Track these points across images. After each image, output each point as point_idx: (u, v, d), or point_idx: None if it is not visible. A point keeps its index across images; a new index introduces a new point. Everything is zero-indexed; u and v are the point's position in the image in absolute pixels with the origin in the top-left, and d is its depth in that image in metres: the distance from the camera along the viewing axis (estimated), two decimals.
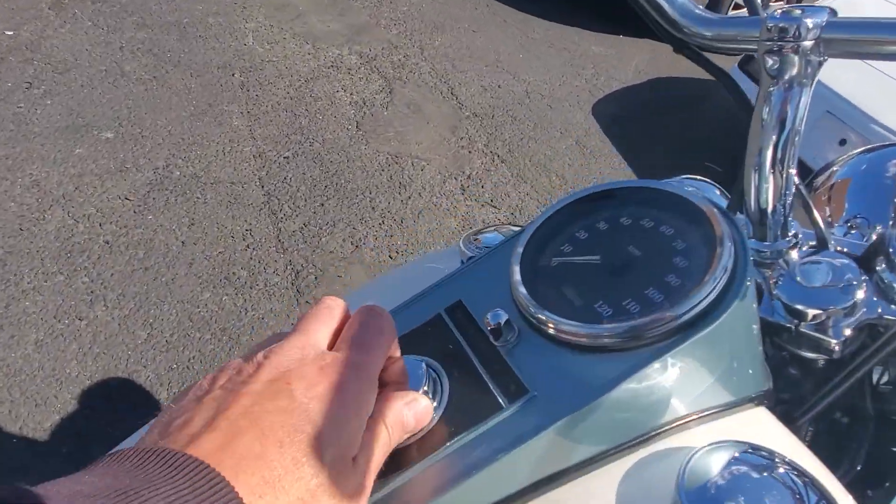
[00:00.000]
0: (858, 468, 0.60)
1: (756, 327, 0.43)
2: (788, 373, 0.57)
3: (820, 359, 0.54)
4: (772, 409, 0.46)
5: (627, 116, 3.13)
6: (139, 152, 2.37)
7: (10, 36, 2.82)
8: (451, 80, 3.20)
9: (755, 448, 0.38)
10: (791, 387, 0.57)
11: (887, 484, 0.60)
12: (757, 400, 0.45)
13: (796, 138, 0.49)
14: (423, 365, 0.39)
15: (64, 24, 3.00)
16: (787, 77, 0.47)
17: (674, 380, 0.38)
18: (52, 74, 2.66)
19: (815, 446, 0.60)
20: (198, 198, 2.23)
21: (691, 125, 3.09)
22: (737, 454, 0.37)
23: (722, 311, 0.37)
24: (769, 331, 0.55)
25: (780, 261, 0.55)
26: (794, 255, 0.55)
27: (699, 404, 0.40)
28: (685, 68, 3.51)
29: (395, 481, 0.36)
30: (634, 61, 3.69)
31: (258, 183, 2.35)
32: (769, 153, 0.50)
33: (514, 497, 0.37)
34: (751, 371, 0.44)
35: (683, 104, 3.30)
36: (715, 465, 0.37)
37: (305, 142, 2.60)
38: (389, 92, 3.02)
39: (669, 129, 3.06)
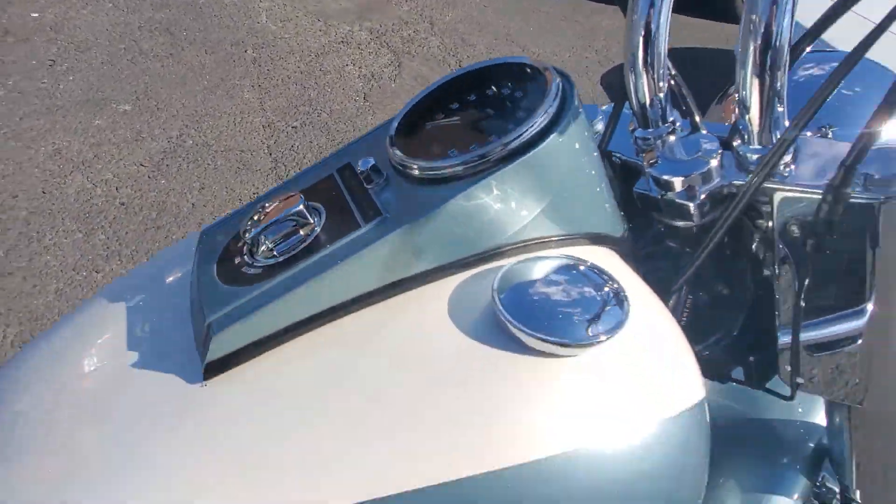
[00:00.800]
0: (735, 333, 0.66)
1: (595, 172, 0.50)
2: (666, 246, 0.64)
3: (686, 226, 0.60)
4: (624, 255, 0.53)
5: None
6: (154, 123, 2.49)
7: (35, 18, 2.97)
8: (459, 53, 3.26)
9: (576, 260, 0.45)
10: (667, 257, 0.63)
11: (769, 349, 0.66)
12: (605, 242, 0.52)
13: (662, 37, 0.55)
14: (301, 204, 0.47)
15: (86, 5, 3.14)
16: None
17: (504, 202, 0.45)
18: (74, 53, 2.80)
19: (694, 317, 0.67)
20: (209, 164, 2.34)
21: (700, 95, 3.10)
22: (557, 264, 0.44)
23: (543, 142, 0.44)
24: (646, 204, 0.61)
25: (658, 143, 0.61)
26: (671, 138, 0.62)
27: (536, 231, 0.47)
28: (697, 39, 3.52)
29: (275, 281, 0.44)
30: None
31: (266, 151, 2.45)
32: (640, 52, 0.56)
33: (360, 300, 0.45)
34: (596, 212, 0.51)
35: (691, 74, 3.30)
36: (535, 270, 0.44)
37: (313, 112, 2.69)
38: (398, 66, 3.10)
39: None
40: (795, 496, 0.80)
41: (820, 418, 0.82)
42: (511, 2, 3.81)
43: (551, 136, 0.44)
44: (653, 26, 0.55)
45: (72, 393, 0.46)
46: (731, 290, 0.66)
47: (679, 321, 0.60)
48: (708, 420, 0.49)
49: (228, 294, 0.46)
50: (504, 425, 0.41)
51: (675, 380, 0.47)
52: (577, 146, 0.48)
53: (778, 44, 0.51)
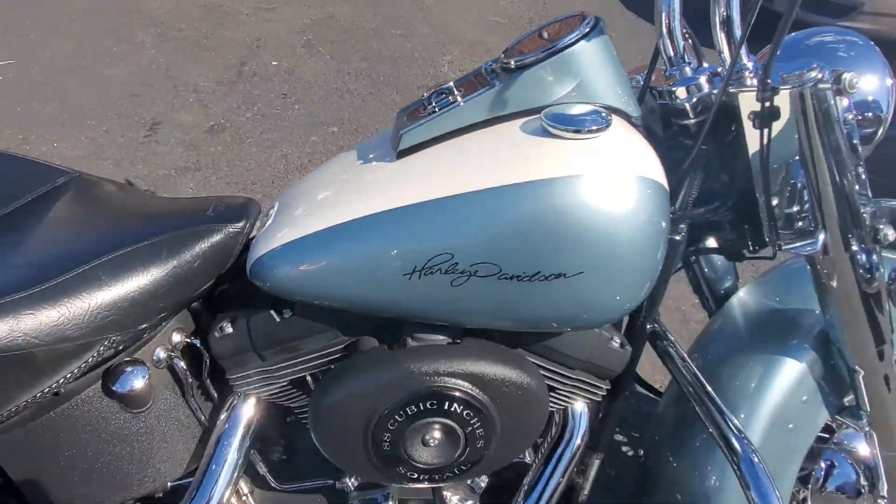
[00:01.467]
0: (729, 204, 0.97)
1: (615, 69, 0.87)
2: (677, 142, 0.98)
3: (687, 123, 0.95)
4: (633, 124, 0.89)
5: None
6: (355, 140, 3.15)
7: (275, 65, 3.84)
8: None
9: (600, 107, 0.82)
10: (677, 149, 0.98)
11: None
12: (620, 114, 0.88)
13: (677, 9, 0.91)
14: (450, 84, 0.90)
15: (311, 57, 3.98)
16: None
17: (553, 79, 0.84)
18: (300, 89, 3.59)
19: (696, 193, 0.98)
20: None
21: None
22: (586, 108, 0.82)
23: (579, 43, 0.83)
24: (665, 112, 0.97)
25: (677, 74, 0.98)
26: (687, 70, 0.97)
27: (573, 97, 0.86)
28: None
29: None
30: None
31: None
32: (665, 20, 0.93)
33: (477, 125, 0.85)
34: (616, 92, 0.87)
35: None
36: (571, 108, 0.82)
37: None
38: None
39: None
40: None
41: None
42: None
43: (582, 41, 0.84)
44: (674, 4, 0.92)
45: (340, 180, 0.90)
46: (722, 171, 0.99)
47: (688, 196, 0.94)
48: (668, 205, 0.82)
49: (410, 122, 0.89)
50: (527, 160, 0.78)
51: (643, 166, 0.80)
52: (608, 54, 0.86)
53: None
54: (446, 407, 0.82)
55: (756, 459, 0.84)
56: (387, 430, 0.83)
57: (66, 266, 0.78)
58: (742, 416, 0.97)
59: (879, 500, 1.08)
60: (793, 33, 1.02)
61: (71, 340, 0.76)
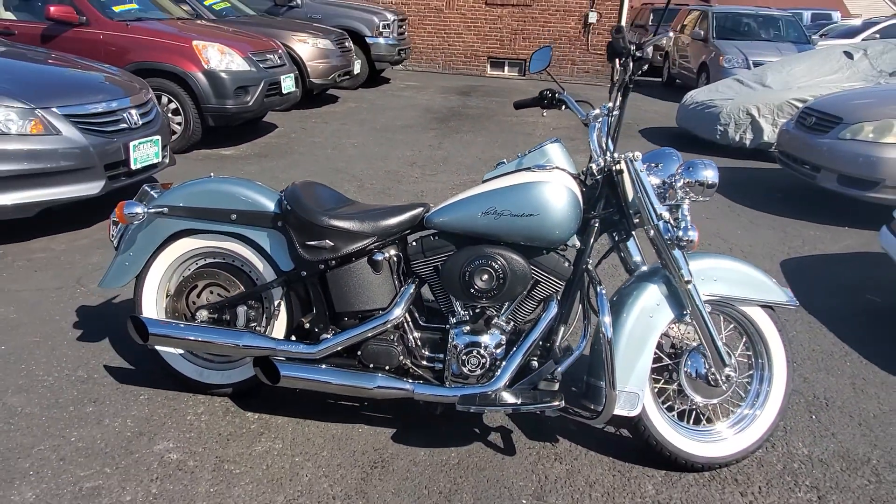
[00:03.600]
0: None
1: (565, 158, 2.20)
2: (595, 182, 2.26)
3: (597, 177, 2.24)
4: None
5: (809, 267, 4.29)
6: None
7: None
8: None
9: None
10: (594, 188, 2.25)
11: None
12: (564, 170, 2.20)
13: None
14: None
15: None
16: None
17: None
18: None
19: None
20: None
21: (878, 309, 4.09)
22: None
23: (546, 145, 2.18)
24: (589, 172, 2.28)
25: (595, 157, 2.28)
26: (600, 159, 2.28)
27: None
28: None
29: None
30: (847, 242, 4.80)
31: None
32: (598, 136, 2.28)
33: None
34: (559, 162, 2.20)
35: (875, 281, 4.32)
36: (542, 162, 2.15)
37: None
38: None
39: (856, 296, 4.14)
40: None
41: None
42: (730, 215, 5.26)
43: (549, 144, 2.19)
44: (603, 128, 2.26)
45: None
46: (607, 197, 2.25)
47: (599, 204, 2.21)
48: (580, 201, 2.09)
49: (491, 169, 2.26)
50: (525, 176, 2.12)
51: (568, 183, 2.10)
52: (560, 150, 2.20)
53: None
54: (491, 264, 2.10)
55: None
56: (470, 273, 2.11)
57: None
58: (628, 311, 2.14)
59: (726, 369, 2.15)
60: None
61: (368, 237, 2.18)
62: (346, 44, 9.11)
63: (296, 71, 7.15)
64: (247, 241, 2.34)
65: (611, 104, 2.18)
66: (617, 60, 2.09)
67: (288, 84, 6.71)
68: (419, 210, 2.24)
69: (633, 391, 2.11)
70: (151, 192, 2.39)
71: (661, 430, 2.18)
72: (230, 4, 9.00)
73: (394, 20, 10.86)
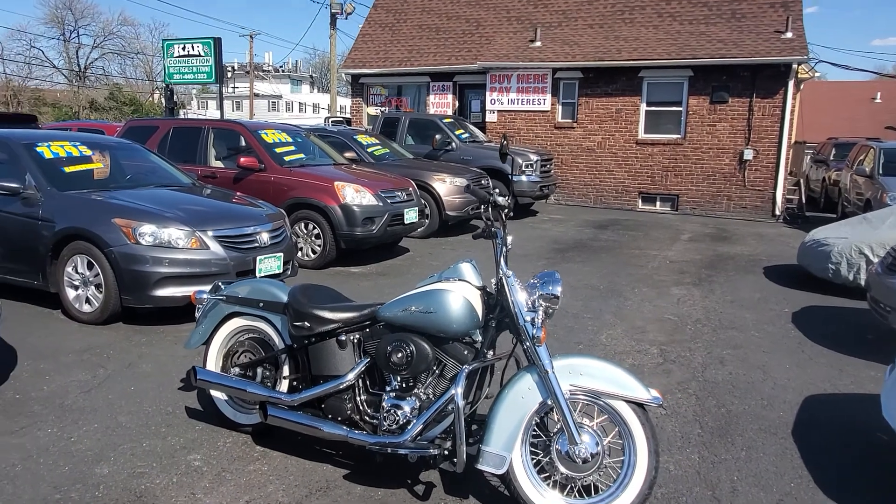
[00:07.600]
0: None
1: (475, 275, 3.00)
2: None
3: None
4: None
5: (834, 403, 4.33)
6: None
7: None
8: (716, 375, 5.04)
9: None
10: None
11: None
12: (470, 283, 2.99)
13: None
14: None
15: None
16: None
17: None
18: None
19: None
20: None
21: None
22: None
23: (462, 263, 3.01)
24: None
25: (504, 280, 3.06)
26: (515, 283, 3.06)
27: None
28: None
29: None
30: None
31: None
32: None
33: None
34: (468, 278, 3.00)
35: None
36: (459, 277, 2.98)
37: None
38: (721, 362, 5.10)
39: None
40: None
41: None
42: (793, 350, 5.30)
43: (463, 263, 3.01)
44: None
45: None
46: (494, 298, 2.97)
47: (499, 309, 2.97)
48: (478, 311, 2.85)
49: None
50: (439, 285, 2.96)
51: (470, 292, 2.88)
52: (472, 270, 3.02)
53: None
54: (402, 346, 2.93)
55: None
56: (389, 351, 2.96)
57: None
58: (506, 391, 2.83)
59: (577, 447, 2.72)
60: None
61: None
62: (483, 181, 10.48)
63: (422, 204, 8.56)
64: (268, 321, 3.42)
65: (503, 233, 2.99)
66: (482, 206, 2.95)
67: (411, 216, 8.10)
68: (375, 308, 3.16)
69: (501, 454, 2.75)
70: (220, 285, 3.61)
71: (526, 491, 2.76)
72: (390, 150, 10.94)
73: (536, 160, 12.17)
